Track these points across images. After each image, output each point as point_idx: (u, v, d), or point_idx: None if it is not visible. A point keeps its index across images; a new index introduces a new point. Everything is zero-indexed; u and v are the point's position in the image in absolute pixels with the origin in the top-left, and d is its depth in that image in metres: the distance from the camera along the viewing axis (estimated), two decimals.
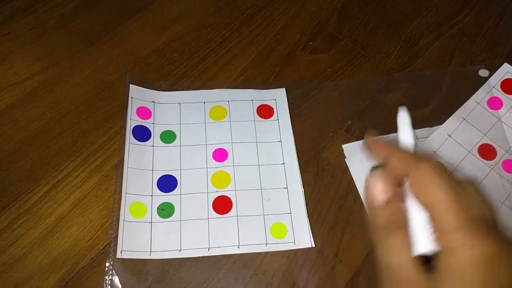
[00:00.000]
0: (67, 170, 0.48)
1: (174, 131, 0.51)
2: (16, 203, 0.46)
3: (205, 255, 0.44)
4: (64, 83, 0.53)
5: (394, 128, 0.51)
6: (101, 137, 0.50)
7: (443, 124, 0.52)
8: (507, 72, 0.56)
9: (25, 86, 0.52)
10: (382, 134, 0.52)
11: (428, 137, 0.51)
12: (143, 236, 0.45)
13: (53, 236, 0.45)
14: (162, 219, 0.46)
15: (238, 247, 0.45)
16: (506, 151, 0.52)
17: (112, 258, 0.43)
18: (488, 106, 0.54)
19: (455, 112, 0.53)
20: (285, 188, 0.48)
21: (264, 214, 0.47)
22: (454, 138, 0.51)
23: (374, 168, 0.28)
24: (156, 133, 0.50)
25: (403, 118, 0.29)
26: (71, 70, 0.54)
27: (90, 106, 0.52)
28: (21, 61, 0.54)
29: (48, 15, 0.58)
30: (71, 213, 0.46)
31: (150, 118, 0.51)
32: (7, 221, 0.45)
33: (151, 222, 0.46)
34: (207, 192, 0.48)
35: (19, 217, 0.45)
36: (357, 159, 0.50)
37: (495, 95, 0.55)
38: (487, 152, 0.51)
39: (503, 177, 0.50)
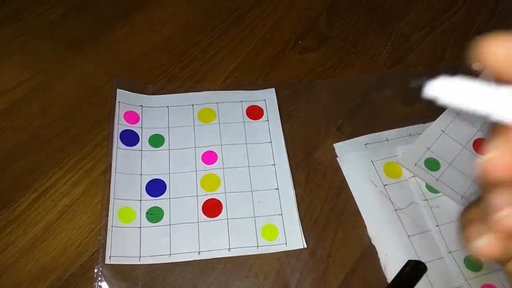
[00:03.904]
0: (55, 177, 0.48)
1: (162, 134, 0.50)
2: (4, 212, 0.45)
3: (196, 259, 0.44)
4: (52, 90, 0.53)
5: (385, 126, 0.51)
6: (89, 143, 0.50)
7: (436, 120, 0.51)
8: None
9: (12, 94, 0.52)
10: (374, 132, 0.51)
11: (421, 133, 0.50)
12: (132, 241, 0.44)
13: (41, 243, 0.44)
14: (151, 224, 0.45)
15: (229, 250, 0.44)
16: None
17: (101, 264, 0.43)
18: None
19: (448, 107, 0.52)
20: (276, 189, 0.48)
21: (255, 216, 0.46)
22: (448, 133, 0.51)
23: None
24: (144, 137, 0.50)
25: None
26: (59, 77, 0.54)
27: (78, 112, 0.52)
28: (9, 69, 0.54)
29: (35, 22, 0.58)
30: (60, 220, 0.45)
31: (138, 123, 0.51)
32: None
33: (140, 227, 0.45)
34: (197, 196, 0.47)
35: (7, 225, 0.45)
36: (349, 158, 0.49)
37: None
38: (482, 146, 0.50)
39: None
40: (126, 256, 0.43)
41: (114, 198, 0.46)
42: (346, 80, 0.55)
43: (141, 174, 0.48)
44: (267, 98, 0.53)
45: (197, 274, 0.43)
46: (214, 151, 0.50)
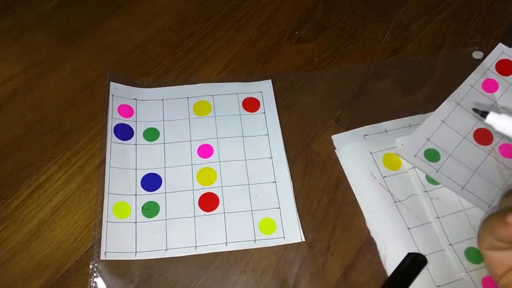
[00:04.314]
0: (49, 172, 0.47)
1: (157, 128, 0.50)
2: None
3: (192, 253, 0.43)
4: (44, 83, 0.52)
5: (384, 116, 0.50)
6: (83, 137, 0.49)
7: (436, 110, 0.50)
8: (502, 52, 0.54)
9: (5, 88, 0.51)
10: (372, 123, 0.50)
11: (421, 124, 0.50)
12: (128, 237, 0.44)
13: (36, 240, 0.44)
14: (147, 219, 0.45)
15: (226, 244, 0.44)
16: (503, 135, 0.50)
17: (96, 260, 0.42)
18: (483, 89, 0.52)
19: (449, 97, 0.51)
20: (273, 182, 0.47)
21: (252, 209, 0.46)
22: (448, 124, 0.50)
23: None
24: (138, 131, 0.49)
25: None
26: (52, 70, 0.53)
27: (71, 106, 0.51)
28: (1, 62, 0.53)
29: (27, 14, 0.57)
30: (54, 216, 0.45)
31: (132, 116, 0.50)
32: None
33: (135, 222, 0.44)
34: (193, 190, 0.46)
35: (0, 222, 0.44)
36: (347, 149, 0.49)
37: (490, 77, 0.53)
38: (483, 136, 0.49)
39: (500, 162, 0.48)
40: (121, 251, 0.43)
41: (109, 193, 0.45)
42: (344, 70, 0.54)
43: (136, 169, 0.47)
44: (263, 90, 0.52)
45: (194, 269, 0.43)
46: (210, 144, 0.49)
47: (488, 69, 0.53)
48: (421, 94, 0.53)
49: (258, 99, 0.52)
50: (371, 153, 0.48)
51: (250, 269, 0.43)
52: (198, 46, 0.55)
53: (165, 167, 0.47)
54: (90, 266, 0.42)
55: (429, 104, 0.51)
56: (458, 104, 0.51)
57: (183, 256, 0.43)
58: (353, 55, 0.55)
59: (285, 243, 0.44)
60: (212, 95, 0.52)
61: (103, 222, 0.44)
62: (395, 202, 0.45)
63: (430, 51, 0.56)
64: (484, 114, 0.38)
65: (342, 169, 0.48)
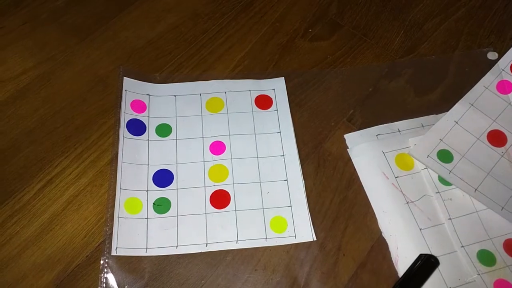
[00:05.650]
0: (61, 166, 0.47)
1: (169, 124, 0.49)
2: (9, 201, 0.45)
3: (203, 251, 0.43)
4: (57, 78, 0.52)
5: (397, 116, 0.50)
6: (95, 132, 0.49)
7: (450, 111, 0.50)
8: None
9: (18, 82, 0.52)
10: (385, 123, 0.50)
11: (434, 124, 0.49)
12: (139, 233, 0.44)
13: (47, 234, 0.44)
14: (158, 215, 0.45)
15: (237, 242, 0.44)
16: None
17: (107, 255, 0.42)
18: (498, 90, 0.52)
19: (462, 98, 0.51)
20: (285, 180, 0.47)
21: (264, 207, 0.45)
22: (462, 125, 0.49)
23: None
24: (151, 126, 0.49)
25: None
26: (64, 65, 0.53)
27: (83, 100, 0.51)
28: (14, 57, 0.53)
29: (40, 9, 0.57)
30: (66, 210, 0.45)
31: (145, 112, 0.50)
32: (0, 220, 0.44)
33: (147, 218, 0.44)
34: (204, 186, 0.46)
35: (12, 215, 0.44)
36: (360, 149, 0.48)
37: (504, 79, 0.52)
38: (497, 138, 0.49)
39: None
40: (132, 247, 0.43)
41: (121, 189, 0.45)
42: (357, 69, 0.54)
43: (148, 164, 0.47)
44: (276, 87, 0.52)
45: (205, 266, 0.43)
46: (222, 141, 0.49)
47: (503, 70, 0.53)
48: (435, 94, 0.52)
49: (271, 97, 0.52)
50: (383, 152, 0.48)
51: (260, 268, 0.43)
52: (211, 43, 0.55)
53: (177, 163, 0.47)
54: (101, 262, 0.42)
55: (443, 104, 0.51)
56: (472, 105, 0.50)
57: (194, 253, 0.43)
58: (367, 54, 0.55)
59: (296, 242, 0.44)
60: (225, 92, 0.52)
61: (115, 217, 0.44)
62: (407, 202, 0.45)
63: (444, 51, 0.55)
64: None
65: (354, 168, 0.47)
